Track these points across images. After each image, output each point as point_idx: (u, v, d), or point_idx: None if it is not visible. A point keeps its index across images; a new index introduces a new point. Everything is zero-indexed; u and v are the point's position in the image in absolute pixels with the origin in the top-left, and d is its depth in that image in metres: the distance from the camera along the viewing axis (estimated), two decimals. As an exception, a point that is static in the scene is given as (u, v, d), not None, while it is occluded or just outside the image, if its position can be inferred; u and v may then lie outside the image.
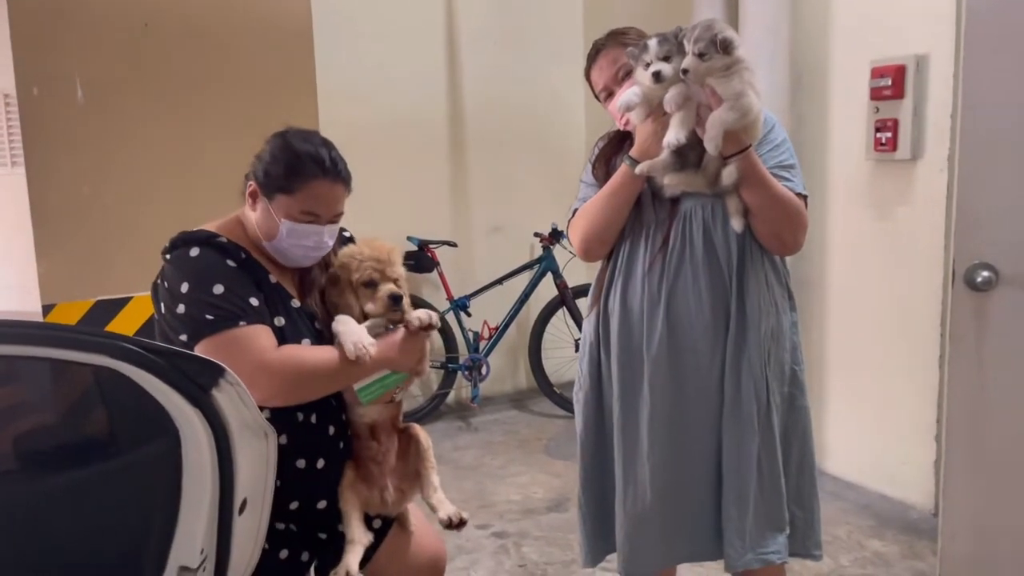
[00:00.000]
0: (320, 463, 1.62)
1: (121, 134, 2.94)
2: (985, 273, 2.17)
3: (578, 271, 4.44)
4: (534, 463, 3.75)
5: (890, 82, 2.80)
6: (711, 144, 1.60)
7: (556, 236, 4.34)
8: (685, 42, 1.60)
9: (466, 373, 4.33)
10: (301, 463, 1.59)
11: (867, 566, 2.73)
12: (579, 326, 4.32)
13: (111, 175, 2.93)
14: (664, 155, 1.67)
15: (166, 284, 1.52)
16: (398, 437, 1.72)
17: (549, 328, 4.38)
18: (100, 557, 1.20)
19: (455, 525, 1.59)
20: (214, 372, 1.19)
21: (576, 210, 1.88)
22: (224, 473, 1.24)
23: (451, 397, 4.53)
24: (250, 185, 1.59)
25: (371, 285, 1.61)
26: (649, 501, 1.79)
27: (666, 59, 1.61)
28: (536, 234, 4.45)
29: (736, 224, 1.71)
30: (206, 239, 1.53)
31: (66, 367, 1.13)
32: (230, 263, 1.51)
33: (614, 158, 1.86)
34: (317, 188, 1.55)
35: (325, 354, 1.53)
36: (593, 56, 1.89)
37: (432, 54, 4.43)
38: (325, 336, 1.60)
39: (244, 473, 1.29)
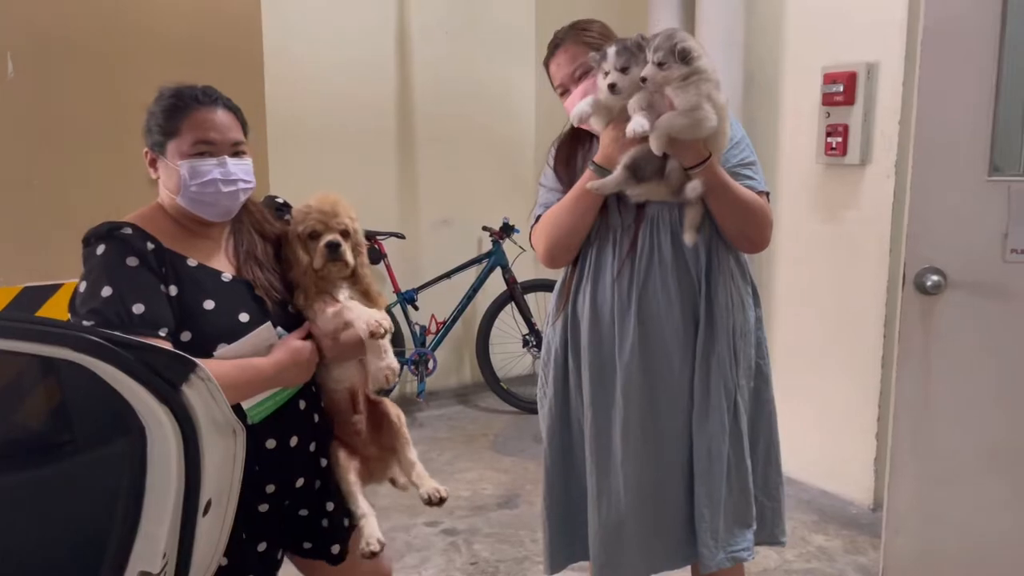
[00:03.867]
0: (293, 440, 1.57)
1: (53, 113, 2.79)
2: (934, 277, 2.23)
3: (527, 266, 4.43)
4: (482, 459, 3.73)
5: (842, 88, 2.87)
6: (655, 144, 1.57)
7: (506, 231, 4.32)
8: (647, 50, 1.59)
9: (412, 367, 4.27)
10: (271, 443, 1.53)
11: (812, 560, 2.79)
12: (527, 321, 4.32)
13: (41, 155, 2.77)
14: (617, 172, 1.65)
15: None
16: (371, 409, 1.69)
17: (497, 323, 4.35)
18: (55, 563, 1.12)
19: (436, 502, 1.57)
20: (185, 367, 1.12)
21: (538, 216, 1.84)
22: (190, 473, 1.18)
23: (396, 392, 4.46)
24: (146, 153, 1.52)
25: (315, 237, 1.58)
26: (624, 509, 1.78)
27: (623, 70, 1.60)
28: (485, 228, 4.42)
29: (688, 239, 1.70)
30: (109, 232, 1.44)
31: (24, 360, 1.04)
32: (131, 261, 1.41)
33: (573, 158, 1.83)
34: (198, 117, 1.49)
35: (217, 367, 1.39)
36: (552, 49, 1.85)
37: (383, 44, 4.33)
38: (267, 304, 1.54)
39: (211, 473, 1.22)
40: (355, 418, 1.64)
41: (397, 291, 4.23)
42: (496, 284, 4.34)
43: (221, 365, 1.41)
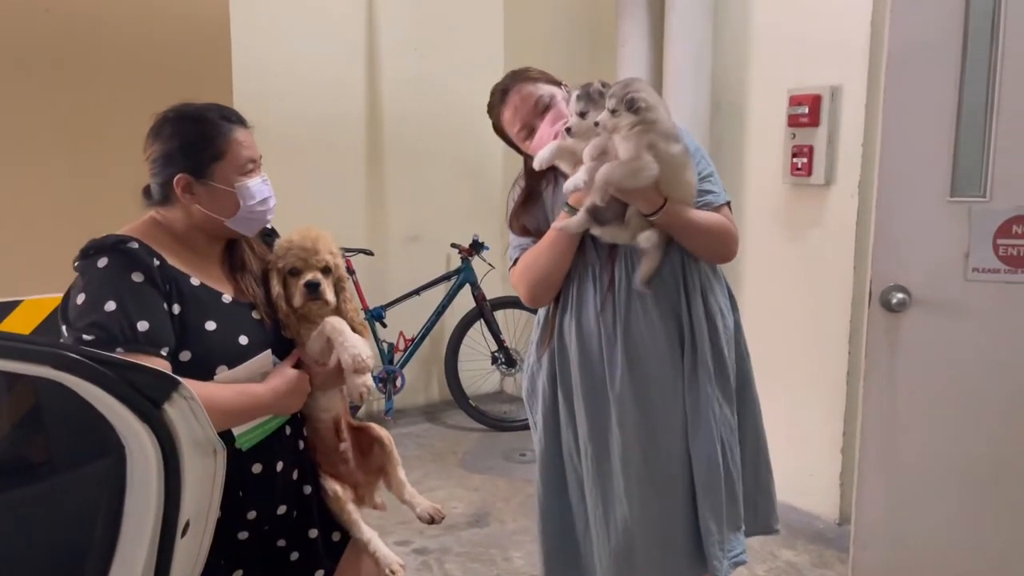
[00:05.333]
0: (279, 466, 1.54)
1: (14, 126, 2.73)
2: (900, 295, 2.28)
3: (496, 283, 4.44)
4: (451, 477, 3.70)
5: (807, 110, 2.94)
6: (594, 194, 1.62)
7: (476, 248, 4.32)
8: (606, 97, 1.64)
9: (380, 385, 4.23)
10: (257, 468, 1.51)
11: (781, 575, 2.82)
12: (496, 339, 4.31)
13: (1, 168, 2.71)
14: (579, 215, 1.69)
15: (68, 294, 1.41)
16: (356, 434, 1.68)
17: (466, 340, 4.34)
18: (28, 588, 1.09)
19: (437, 521, 1.61)
20: (168, 385, 1.10)
21: (516, 259, 1.85)
22: (170, 494, 1.15)
23: (363, 410, 4.42)
24: (179, 179, 1.46)
25: (295, 274, 1.56)
26: (634, 535, 1.78)
27: (582, 114, 1.65)
28: (454, 245, 4.41)
29: (640, 288, 1.73)
30: (114, 245, 1.40)
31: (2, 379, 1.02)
32: (136, 277, 1.38)
33: (526, 215, 1.84)
34: (238, 137, 1.49)
35: (211, 391, 1.38)
36: (501, 97, 1.83)
37: (352, 60, 4.33)
38: (266, 324, 1.53)
39: (190, 493, 1.20)
40: (342, 446, 1.62)
41: (365, 308, 4.20)
42: (465, 301, 4.33)
43: (223, 390, 1.41)
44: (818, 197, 3.03)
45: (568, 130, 1.67)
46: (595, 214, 1.69)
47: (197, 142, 1.46)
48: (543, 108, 1.77)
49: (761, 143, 3.22)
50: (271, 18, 3.98)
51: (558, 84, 1.85)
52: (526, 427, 4.22)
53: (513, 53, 4.60)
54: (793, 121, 3.00)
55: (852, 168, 2.90)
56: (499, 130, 1.88)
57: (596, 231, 1.71)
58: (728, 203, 1.84)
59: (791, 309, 3.20)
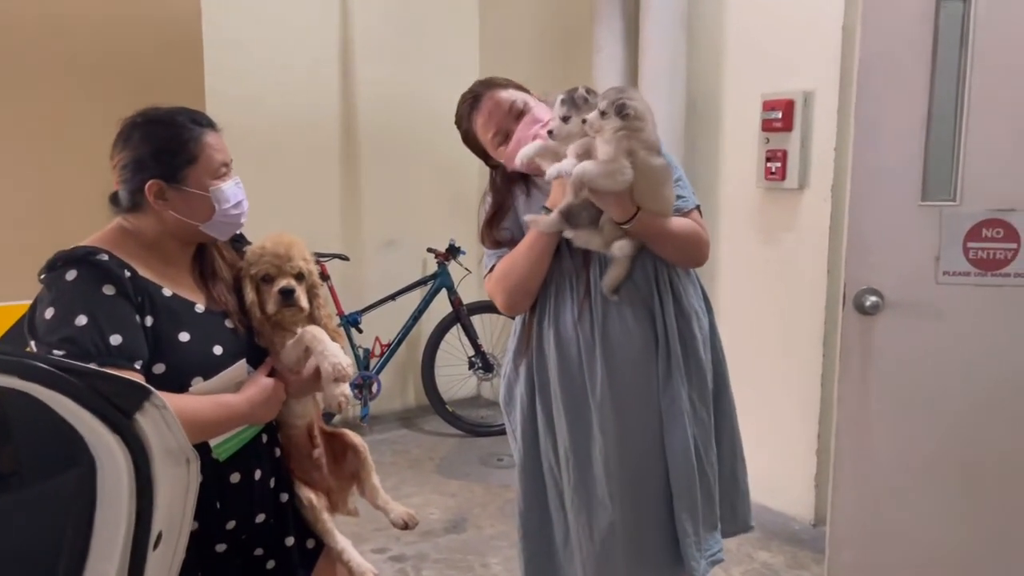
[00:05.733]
0: (257, 474, 1.52)
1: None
2: (873, 298, 2.31)
3: (473, 288, 4.43)
4: (427, 483, 3.68)
5: (780, 115, 2.96)
6: (569, 188, 1.63)
7: (452, 252, 4.31)
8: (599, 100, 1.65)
9: (356, 391, 4.20)
10: (236, 477, 1.48)
11: (757, 577, 2.84)
12: (473, 343, 4.30)
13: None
14: (552, 215, 1.69)
15: (35, 309, 1.37)
16: (329, 441, 1.67)
17: (442, 345, 4.33)
18: (-4, 603, 1.06)
19: (411, 527, 1.61)
20: (139, 394, 1.08)
21: (492, 267, 1.84)
22: (142, 505, 1.13)
23: (338, 416, 4.38)
24: (151, 185, 1.43)
25: (268, 280, 1.54)
26: (619, 541, 1.78)
27: (564, 119, 1.66)
28: (430, 250, 4.39)
29: (606, 294, 1.74)
30: (83, 257, 1.37)
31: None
32: (107, 289, 1.35)
33: (497, 229, 1.84)
34: (210, 140, 1.47)
35: (188, 404, 1.36)
36: (472, 105, 1.81)
37: (326, 61, 4.30)
38: (240, 333, 1.51)
39: (163, 504, 1.17)
40: (316, 452, 1.60)
41: (341, 314, 4.17)
42: (442, 306, 4.32)
43: (199, 402, 1.38)
44: (792, 201, 3.06)
45: (550, 132, 1.66)
46: (568, 216, 1.69)
47: (169, 147, 1.44)
48: (518, 113, 1.77)
49: (735, 148, 3.24)
50: (243, 21, 3.94)
51: (526, 92, 1.84)
52: (503, 432, 4.21)
53: (488, 57, 4.60)
54: (767, 126, 3.03)
55: (825, 172, 2.93)
56: (469, 139, 1.86)
57: (569, 234, 1.71)
58: (698, 207, 1.85)
59: (765, 312, 3.23)
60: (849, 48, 2.80)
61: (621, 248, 1.68)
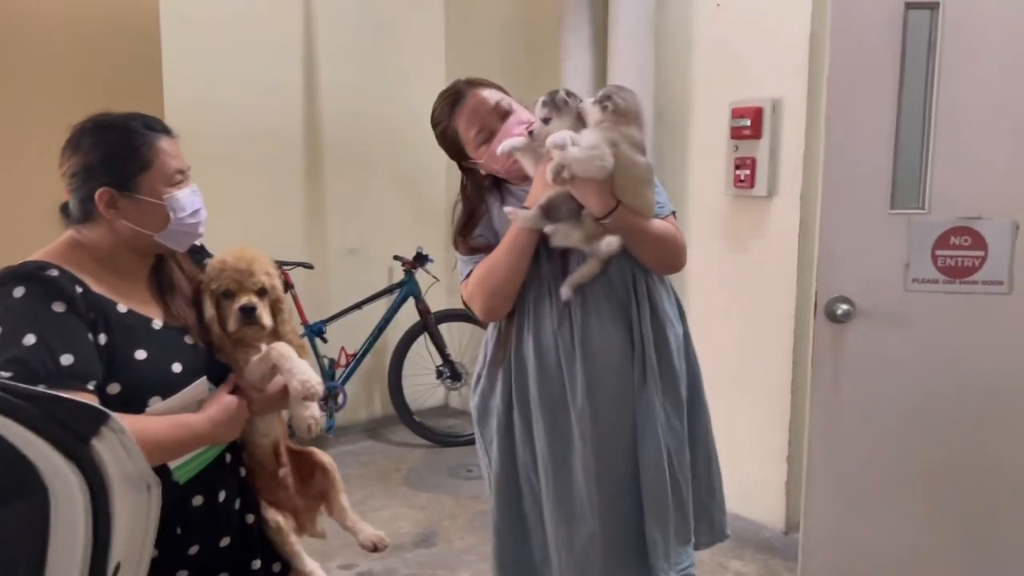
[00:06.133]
0: (221, 496, 1.45)
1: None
2: (844, 306, 2.32)
3: (440, 296, 4.37)
4: (396, 496, 3.61)
5: (749, 122, 2.97)
6: (548, 172, 1.61)
7: (420, 260, 4.25)
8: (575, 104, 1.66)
9: (321, 403, 4.11)
10: (198, 500, 1.42)
11: (730, 586, 2.83)
12: (441, 352, 4.24)
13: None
14: (532, 210, 1.67)
15: None
16: (296, 460, 1.60)
17: (409, 354, 4.26)
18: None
19: (380, 548, 1.55)
20: (95, 418, 1.01)
21: (469, 273, 1.80)
22: (99, 535, 1.06)
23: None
24: (102, 194, 1.35)
25: (229, 296, 1.48)
26: (598, 553, 1.75)
27: (545, 120, 1.65)
28: (397, 257, 4.33)
29: (563, 292, 1.72)
30: (32, 273, 1.30)
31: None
32: (57, 307, 1.28)
33: (472, 235, 1.81)
34: (164, 146, 1.40)
35: (145, 425, 1.29)
36: (453, 103, 1.78)
37: (289, 66, 4.22)
38: (200, 349, 1.44)
39: (121, 533, 1.11)
40: (281, 472, 1.54)
41: (305, 323, 4.09)
42: (409, 315, 4.26)
43: (157, 423, 1.32)
44: (761, 209, 3.06)
45: (530, 133, 1.65)
46: (548, 210, 1.67)
47: (120, 153, 1.37)
48: (503, 113, 1.75)
49: (704, 155, 3.24)
50: (204, 25, 3.84)
51: (508, 95, 1.83)
52: (472, 442, 4.15)
53: (455, 64, 4.56)
54: (736, 133, 3.03)
55: (794, 180, 2.94)
56: (446, 137, 1.82)
57: (549, 229, 1.68)
58: (673, 213, 1.85)
59: (735, 320, 3.23)
60: (817, 56, 2.81)
61: (609, 244, 1.65)
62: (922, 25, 2.24)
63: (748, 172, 3.01)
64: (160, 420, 1.33)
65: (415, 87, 4.56)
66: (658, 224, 1.75)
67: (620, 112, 1.65)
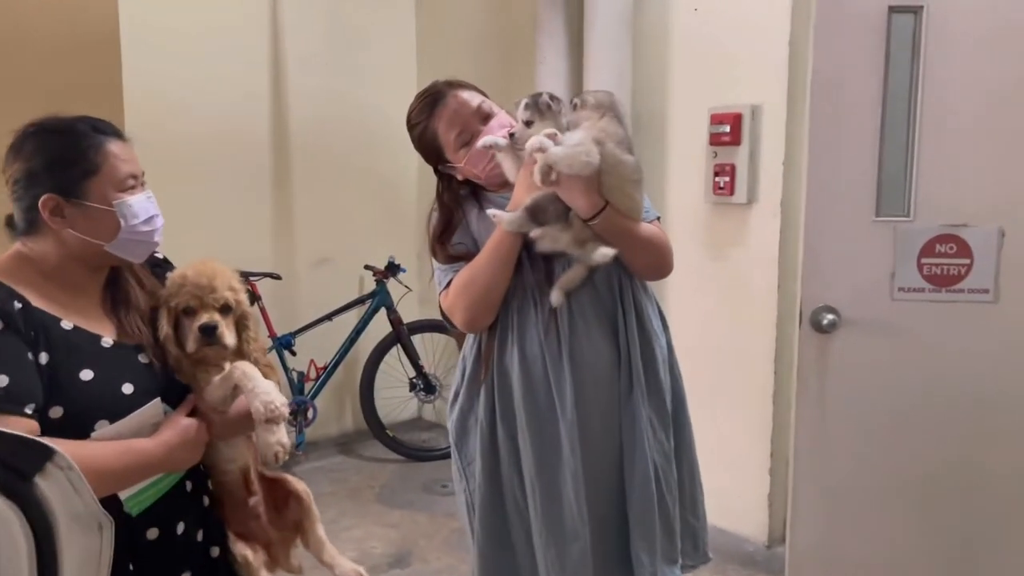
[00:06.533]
0: (180, 527, 1.35)
1: None
2: (830, 316, 2.27)
3: (412, 306, 4.28)
4: (368, 514, 3.50)
5: (728, 128, 2.92)
6: (536, 173, 1.55)
7: (392, 270, 4.14)
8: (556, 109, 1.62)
9: (291, 418, 3.99)
10: (153, 533, 1.31)
11: (715, 603, 2.77)
12: (414, 364, 4.14)
13: None
14: (517, 212, 1.61)
15: None
16: (269, 486, 1.50)
17: (382, 367, 4.15)
18: None
19: None
20: (39, 454, 0.91)
21: (449, 282, 1.73)
22: (45, 582, 0.96)
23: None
24: (46, 201, 1.26)
25: (189, 314, 1.38)
26: (588, 571, 1.68)
27: (527, 123, 1.60)
28: (368, 267, 4.22)
29: (554, 298, 1.66)
30: None
31: None
32: None
33: (450, 242, 1.75)
34: (115, 149, 1.30)
35: (89, 452, 1.20)
36: (433, 104, 1.72)
37: (255, 73, 4.10)
38: (155, 368, 1.34)
39: (70, 578, 1.00)
40: (252, 500, 1.44)
41: (273, 336, 3.96)
42: (381, 326, 4.14)
43: (103, 449, 1.22)
44: (740, 216, 3.02)
45: (512, 136, 1.60)
46: (534, 212, 1.61)
47: (65, 157, 1.27)
48: (484, 115, 1.70)
49: (682, 162, 3.19)
50: (166, 28, 3.71)
51: (485, 96, 1.77)
52: (446, 456, 4.07)
53: (427, 66, 4.48)
54: (715, 140, 2.98)
55: (774, 187, 2.90)
56: (424, 139, 1.76)
57: (535, 233, 1.62)
58: (658, 218, 1.81)
59: (715, 329, 3.17)
60: (796, 61, 2.78)
61: (603, 255, 1.60)
62: (906, 29, 2.21)
63: (727, 179, 2.97)
64: (106, 446, 1.23)
65: (386, 93, 4.47)
66: (646, 227, 1.70)
67: (593, 106, 1.62)
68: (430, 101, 1.72)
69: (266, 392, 1.32)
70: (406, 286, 4.18)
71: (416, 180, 4.58)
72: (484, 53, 3.98)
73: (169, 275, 1.42)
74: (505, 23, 3.95)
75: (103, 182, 1.28)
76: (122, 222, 1.29)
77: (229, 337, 1.36)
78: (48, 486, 0.93)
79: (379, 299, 4.14)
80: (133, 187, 1.31)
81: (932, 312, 2.25)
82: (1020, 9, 2.11)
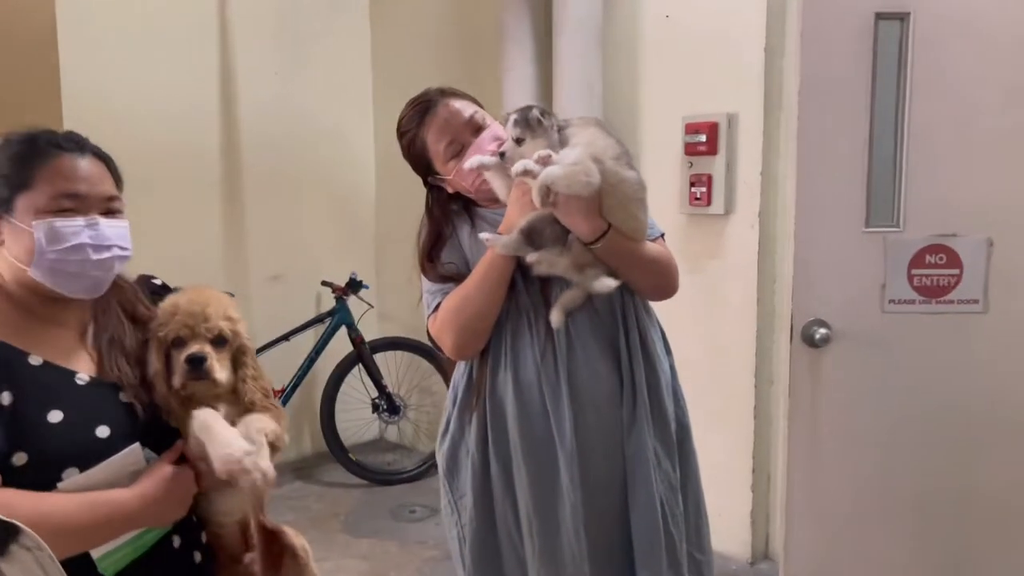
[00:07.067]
0: None
1: None
2: (822, 330, 2.22)
3: (373, 324, 4.12)
4: (334, 545, 3.32)
5: (704, 138, 2.86)
6: (534, 194, 1.45)
7: (353, 287, 3.97)
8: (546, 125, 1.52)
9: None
10: None
11: (703, 627, 2.68)
12: (377, 384, 3.98)
13: None
14: (512, 235, 1.52)
15: None
16: (266, 540, 1.36)
17: (343, 388, 3.97)
18: None
19: None
20: (4, 534, 0.76)
21: (438, 305, 1.63)
22: None
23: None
24: None
25: (179, 345, 1.25)
26: None
27: (518, 140, 1.50)
28: (326, 283, 4.04)
29: (554, 319, 1.57)
30: None
31: None
32: None
33: (440, 260, 1.65)
34: (59, 165, 1.18)
35: (51, 505, 1.08)
36: (424, 112, 1.63)
37: (204, 83, 3.89)
38: (137, 409, 1.20)
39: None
40: (247, 557, 1.28)
41: (227, 357, 3.75)
42: (341, 345, 3.97)
43: (67, 501, 1.09)
44: (718, 227, 2.96)
45: (502, 155, 1.50)
46: (530, 235, 1.50)
47: (5, 167, 1.18)
48: (476, 127, 1.60)
49: (657, 172, 3.11)
50: (107, 36, 3.49)
51: (481, 107, 1.67)
52: (412, 478, 3.94)
53: (383, 76, 4.33)
54: (690, 149, 2.92)
55: (751, 197, 2.85)
56: (414, 149, 1.66)
57: (531, 258, 1.51)
58: (663, 235, 1.73)
59: (694, 343, 3.10)
60: (772, 69, 2.73)
61: (605, 285, 1.50)
62: (893, 35, 2.17)
63: (704, 189, 2.90)
64: (72, 498, 1.10)
65: (340, 102, 4.32)
66: (650, 247, 1.62)
67: (580, 124, 1.53)
68: (421, 109, 1.63)
69: (225, 444, 1.16)
70: (368, 303, 4.02)
71: (374, 194, 4.42)
72: (446, 61, 3.86)
73: (161, 304, 1.28)
74: (467, 30, 3.84)
75: (34, 198, 1.16)
76: (38, 245, 1.15)
77: (220, 372, 1.23)
78: (12, 570, 0.78)
79: (339, 317, 3.97)
80: (68, 209, 1.17)
81: (923, 324, 2.22)
82: (1008, 14, 2.09)
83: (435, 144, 1.61)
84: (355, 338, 3.93)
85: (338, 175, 4.33)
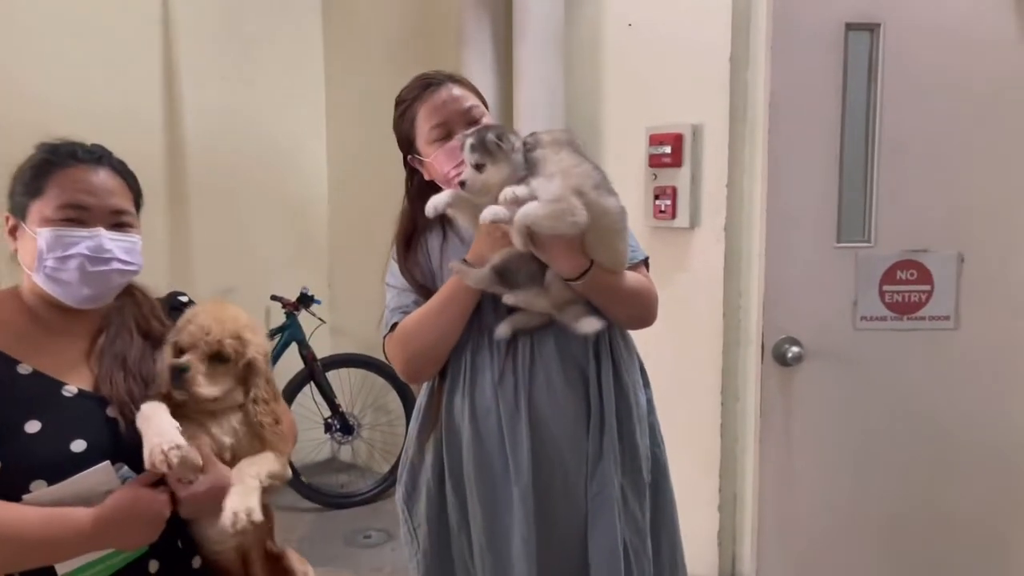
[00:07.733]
0: None
1: None
2: (794, 349, 2.16)
3: (326, 340, 3.96)
4: (284, 573, 3.15)
5: (669, 150, 2.79)
6: (514, 236, 1.34)
7: (304, 301, 3.81)
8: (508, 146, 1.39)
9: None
10: None
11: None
12: (329, 402, 3.82)
13: None
14: (483, 270, 1.41)
15: None
16: (269, 565, 1.33)
17: (294, 407, 3.80)
18: None
19: None
20: None
21: (394, 324, 1.53)
22: None
23: (169, 496, 3.74)
24: (7, 219, 1.26)
25: (181, 354, 1.26)
26: None
27: (478, 167, 1.38)
28: (275, 298, 3.87)
29: (500, 331, 1.48)
30: None
31: None
32: None
33: (413, 262, 1.55)
34: (70, 175, 1.23)
35: (8, 516, 1.08)
36: (424, 88, 1.54)
37: (146, 89, 3.70)
38: (122, 426, 1.19)
39: None
40: None
41: (170, 376, 3.56)
42: (292, 362, 3.80)
43: (24, 514, 1.09)
44: (683, 241, 2.88)
45: (463, 184, 1.38)
46: (503, 274, 1.39)
47: (23, 177, 1.25)
48: (471, 120, 1.51)
49: (619, 184, 3.00)
50: (39, 37, 3.29)
51: (485, 105, 1.58)
52: (366, 501, 3.78)
53: (335, 81, 4.19)
54: (654, 161, 2.84)
55: (717, 210, 2.77)
56: (402, 122, 1.57)
57: (507, 299, 1.41)
58: (646, 260, 1.63)
59: (659, 360, 2.98)
60: (738, 80, 2.67)
61: (590, 325, 1.39)
62: (863, 47, 2.12)
63: (669, 202, 2.82)
64: (30, 511, 1.10)
65: (291, 108, 4.16)
66: (631, 278, 1.52)
67: (550, 143, 1.41)
68: (423, 84, 1.54)
69: (158, 432, 1.12)
70: (319, 318, 3.87)
71: (326, 203, 4.27)
72: (403, 68, 3.70)
73: (186, 310, 1.33)
74: (424, 35, 3.72)
75: (42, 207, 1.21)
76: (40, 252, 1.19)
77: (206, 387, 1.20)
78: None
79: (290, 333, 3.80)
80: (72, 219, 1.21)
81: (894, 341, 2.17)
82: (979, 25, 2.06)
83: (424, 122, 1.52)
84: (306, 355, 3.77)
85: (289, 185, 4.16)
